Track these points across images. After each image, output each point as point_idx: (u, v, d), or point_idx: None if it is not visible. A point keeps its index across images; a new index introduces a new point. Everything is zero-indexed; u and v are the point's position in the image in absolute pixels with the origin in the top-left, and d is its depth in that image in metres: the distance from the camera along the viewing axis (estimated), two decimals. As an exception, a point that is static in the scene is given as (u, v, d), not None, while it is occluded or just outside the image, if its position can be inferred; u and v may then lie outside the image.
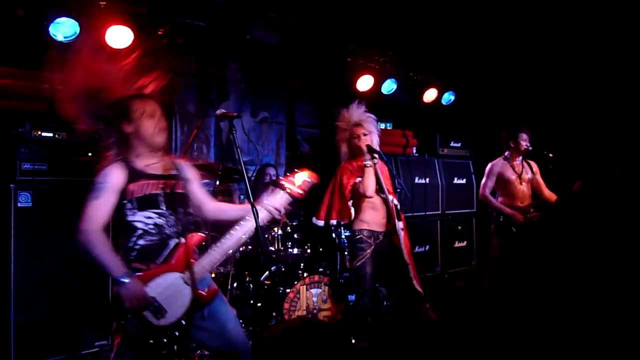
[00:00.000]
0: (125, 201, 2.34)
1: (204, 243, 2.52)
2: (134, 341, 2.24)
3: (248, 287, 4.32)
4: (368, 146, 3.63)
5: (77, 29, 3.89)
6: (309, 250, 4.18)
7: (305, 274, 3.91)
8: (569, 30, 5.87)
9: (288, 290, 3.80)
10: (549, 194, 4.70)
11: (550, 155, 4.55)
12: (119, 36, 4.14)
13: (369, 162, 3.59)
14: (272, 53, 5.74)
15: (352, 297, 4.79)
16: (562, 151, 4.80)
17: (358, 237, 3.70)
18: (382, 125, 6.44)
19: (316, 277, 3.96)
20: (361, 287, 3.69)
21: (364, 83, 5.99)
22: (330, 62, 6.08)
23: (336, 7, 5.41)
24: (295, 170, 2.61)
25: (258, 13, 5.06)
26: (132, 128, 2.41)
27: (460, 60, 6.96)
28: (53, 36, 3.83)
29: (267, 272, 4.14)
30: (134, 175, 2.39)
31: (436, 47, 6.58)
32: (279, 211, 2.52)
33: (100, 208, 2.29)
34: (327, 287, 4.00)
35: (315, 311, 3.91)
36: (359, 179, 3.67)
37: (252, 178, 5.00)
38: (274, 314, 3.81)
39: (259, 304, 3.94)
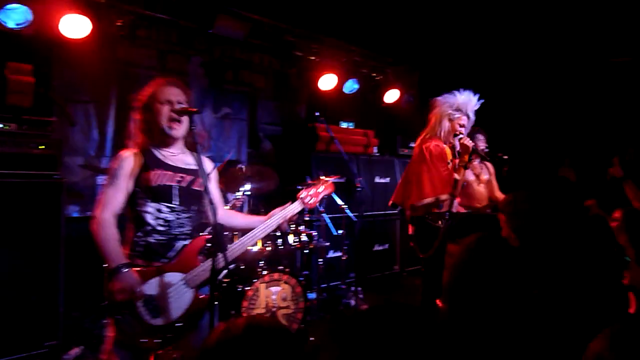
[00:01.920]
0: (138, 189, 2.31)
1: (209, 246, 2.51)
2: (127, 338, 2.19)
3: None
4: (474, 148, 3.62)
5: (30, 16, 3.74)
6: (269, 248, 4.16)
7: (264, 272, 3.89)
8: (526, 36, 6.08)
9: (247, 288, 3.77)
10: (501, 196, 4.84)
11: (505, 157, 4.68)
12: (75, 25, 4.01)
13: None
14: (236, 49, 5.68)
15: (312, 295, 4.81)
16: (517, 154, 4.96)
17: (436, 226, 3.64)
18: (345, 125, 6.49)
19: (276, 275, 3.94)
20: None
21: (327, 82, 6.02)
22: (293, 60, 6.08)
23: (300, 5, 5.41)
24: (312, 180, 2.80)
25: (222, 7, 4.99)
26: (149, 115, 2.38)
27: (422, 62, 7.09)
28: (3, 23, 3.67)
29: (225, 271, 4.09)
30: (151, 163, 2.35)
31: (398, 49, 6.68)
32: (288, 221, 2.68)
33: (115, 195, 2.28)
34: (286, 285, 3.98)
35: (274, 309, 3.90)
36: (457, 176, 3.62)
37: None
38: (232, 312, 3.77)
39: (216, 303, 3.88)
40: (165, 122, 2.36)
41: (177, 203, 2.37)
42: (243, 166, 4.56)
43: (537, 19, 5.64)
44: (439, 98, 3.89)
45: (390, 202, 4.09)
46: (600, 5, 5.24)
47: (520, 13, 5.54)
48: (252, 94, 6.13)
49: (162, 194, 2.34)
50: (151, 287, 2.24)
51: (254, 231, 2.58)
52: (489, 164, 4.94)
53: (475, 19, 5.75)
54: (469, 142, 3.63)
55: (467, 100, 3.79)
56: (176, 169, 2.41)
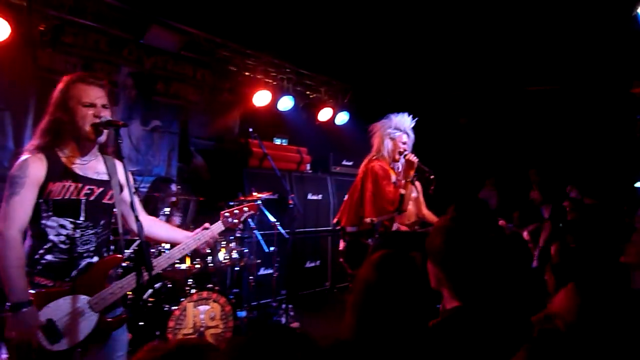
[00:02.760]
0: (41, 200, 2.06)
1: (118, 266, 2.31)
2: None
3: (131, 304, 4.07)
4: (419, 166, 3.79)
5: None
6: (198, 266, 4.05)
7: (192, 291, 3.78)
8: (454, 62, 6.42)
9: (174, 308, 3.64)
10: (428, 213, 5.03)
11: (432, 177, 4.87)
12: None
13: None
14: (168, 60, 5.55)
15: (241, 314, 4.72)
16: (443, 173, 5.19)
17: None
18: (278, 141, 6.51)
19: (204, 294, 3.83)
20: None
21: (261, 98, 6.01)
22: (227, 75, 6.03)
23: (237, 21, 5.39)
24: (244, 197, 2.66)
25: (155, 18, 4.87)
26: (66, 116, 2.13)
27: (355, 82, 7.28)
28: None
29: (150, 289, 3.94)
30: (58, 172, 2.10)
31: (333, 68, 6.82)
32: (209, 243, 2.50)
33: (20, 207, 2.01)
34: (215, 304, 3.89)
35: (202, 329, 3.78)
36: (404, 191, 3.77)
37: (143, 189, 4.76)
38: (157, 333, 3.62)
39: (141, 323, 3.72)
40: (86, 128, 2.13)
41: (83, 219, 2.15)
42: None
43: (463, 46, 5.98)
44: (376, 123, 4.09)
45: (335, 220, 4.19)
46: (521, 39, 5.65)
47: (447, 39, 5.85)
48: (184, 107, 6.00)
49: (67, 209, 2.11)
50: (51, 311, 2.03)
51: (171, 251, 2.43)
52: (417, 182, 5.12)
53: (404, 42, 6.00)
54: (413, 158, 3.86)
55: (403, 119, 4.02)
56: (85, 180, 2.17)
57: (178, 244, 2.47)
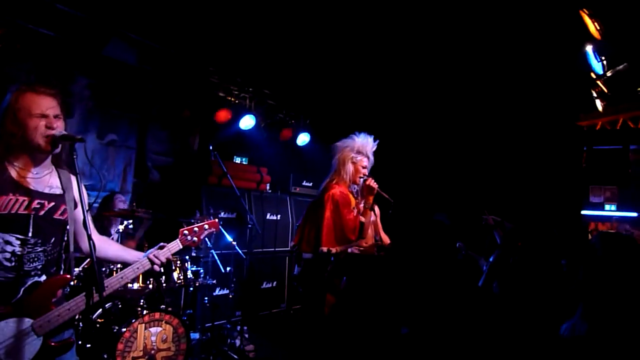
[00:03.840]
0: None
1: (66, 286, 2.17)
2: None
3: (77, 325, 3.88)
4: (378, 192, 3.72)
5: None
6: (150, 286, 3.92)
7: (144, 312, 3.65)
8: (411, 83, 6.59)
9: (124, 330, 3.49)
10: (384, 236, 5.07)
11: (391, 200, 4.94)
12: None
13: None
14: (128, 73, 5.44)
15: (195, 335, 4.59)
16: (400, 196, 5.27)
17: None
18: (238, 160, 6.46)
19: (157, 315, 3.70)
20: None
21: (223, 116, 5.98)
22: (189, 90, 5.96)
23: (200, 38, 5.37)
24: (196, 220, 2.59)
25: (115, 30, 4.79)
26: (16, 128, 2.03)
27: (317, 103, 7.34)
28: None
29: (100, 309, 3.78)
30: (4, 185, 1.98)
31: (295, 89, 6.87)
32: (161, 263, 2.40)
33: None
34: (168, 326, 3.76)
35: (153, 352, 3.64)
36: (363, 219, 3.70)
37: (95, 205, 4.60)
38: (105, 355, 3.46)
39: (88, 345, 3.55)
40: (38, 140, 2.05)
41: (31, 234, 2.03)
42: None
43: (420, 73, 6.17)
44: (338, 143, 3.96)
45: (293, 243, 4.09)
46: (474, 67, 5.87)
47: (406, 64, 6.02)
48: (142, 121, 5.87)
49: (12, 224, 1.98)
50: None
51: (124, 271, 2.34)
52: (375, 206, 5.17)
53: (368, 64, 6.13)
54: (373, 184, 3.75)
55: (365, 142, 3.91)
56: (35, 194, 2.06)
57: (129, 264, 2.38)
